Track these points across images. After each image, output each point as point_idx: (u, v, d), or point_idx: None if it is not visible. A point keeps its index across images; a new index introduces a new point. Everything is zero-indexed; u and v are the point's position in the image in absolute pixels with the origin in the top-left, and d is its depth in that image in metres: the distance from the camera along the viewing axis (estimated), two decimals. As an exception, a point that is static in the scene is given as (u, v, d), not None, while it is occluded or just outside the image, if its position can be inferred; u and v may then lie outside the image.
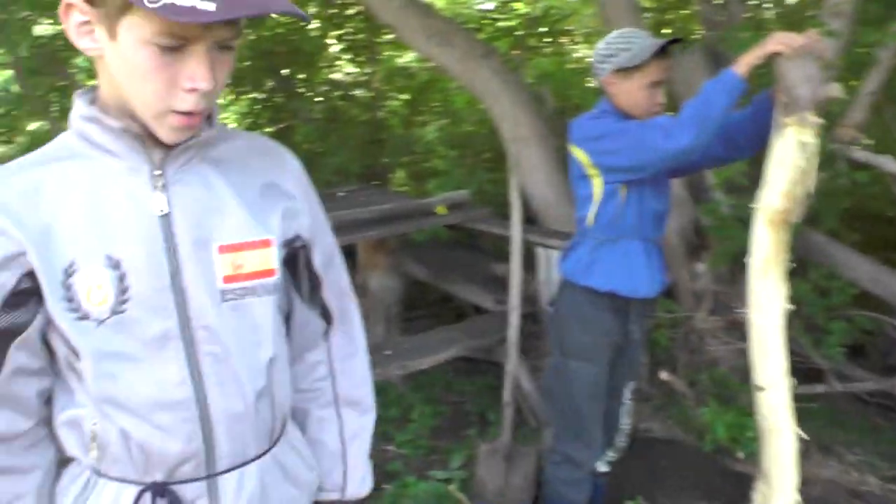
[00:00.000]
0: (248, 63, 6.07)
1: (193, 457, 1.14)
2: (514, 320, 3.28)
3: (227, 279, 1.13)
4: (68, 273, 1.06)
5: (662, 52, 2.31)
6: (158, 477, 1.14)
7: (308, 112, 6.31)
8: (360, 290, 4.26)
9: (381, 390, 4.03)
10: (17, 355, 1.10)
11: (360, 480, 1.41)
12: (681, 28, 5.15)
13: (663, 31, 5.09)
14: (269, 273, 1.16)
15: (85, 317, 1.06)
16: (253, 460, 1.20)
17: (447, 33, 3.91)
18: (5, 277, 1.06)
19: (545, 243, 3.43)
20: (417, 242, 4.52)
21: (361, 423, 1.40)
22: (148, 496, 1.14)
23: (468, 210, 4.09)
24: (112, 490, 1.16)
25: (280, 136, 6.30)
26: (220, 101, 5.68)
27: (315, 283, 1.30)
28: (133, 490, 1.15)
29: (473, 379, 4.20)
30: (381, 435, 3.68)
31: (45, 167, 1.08)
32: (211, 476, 1.17)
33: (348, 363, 1.38)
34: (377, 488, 3.21)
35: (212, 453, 1.15)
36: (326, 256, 1.31)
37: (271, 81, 6.32)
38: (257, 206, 1.16)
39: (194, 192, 1.11)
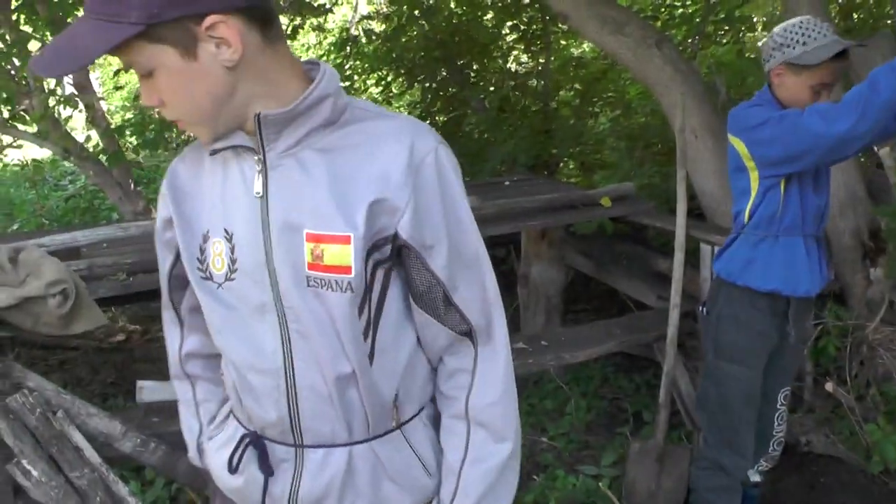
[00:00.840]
0: (421, 53, 6.20)
1: (279, 423, 1.25)
2: (674, 318, 3.17)
3: (310, 266, 1.15)
4: (205, 238, 1.23)
5: (840, 55, 2.17)
6: (257, 429, 1.30)
7: (480, 101, 6.36)
8: (523, 279, 4.27)
9: (538, 381, 4.06)
10: (192, 296, 1.33)
11: None
12: (871, 11, 4.78)
13: (853, 14, 4.75)
14: (344, 270, 1.14)
15: (209, 278, 1.24)
16: (344, 445, 1.25)
17: (621, 21, 3.83)
18: (173, 233, 1.28)
19: (710, 240, 3.31)
20: (582, 234, 4.47)
21: (490, 450, 1.28)
22: (246, 441, 1.30)
23: (633, 203, 4.00)
24: (232, 427, 1.36)
25: (451, 125, 6.42)
26: (394, 89, 5.83)
27: (439, 286, 1.21)
28: (241, 432, 1.33)
29: (632, 376, 4.12)
30: (535, 426, 3.69)
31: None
32: (298, 446, 1.26)
33: (485, 379, 1.26)
34: (527, 479, 3.24)
35: (296, 425, 1.24)
36: (458, 259, 1.21)
37: (445, 71, 6.42)
38: (349, 198, 1.13)
39: (291, 177, 1.15)
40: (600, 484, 3.10)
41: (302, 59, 1.22)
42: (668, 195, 4.53)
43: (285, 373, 1.21)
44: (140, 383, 2.50)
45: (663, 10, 5.83)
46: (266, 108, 1.12)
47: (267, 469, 1.27)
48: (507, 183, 4.59)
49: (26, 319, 2.54)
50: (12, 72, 4.59)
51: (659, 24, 5.43)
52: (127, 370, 4.52)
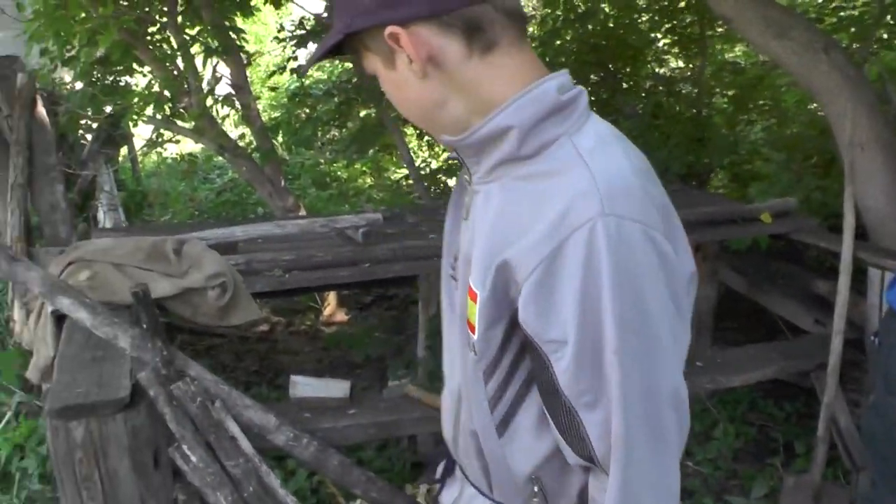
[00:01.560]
0: (573, 57, 6.10)
1: (448, 443, 1.26)
2: (837, 346, 2.98)
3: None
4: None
5: None
6: None
7: (633, 107, 6.20)
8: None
9: (684, 401, 3.90)
10: None
11: None
12: None
13: None
14: (471, 328, 1.05)
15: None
16: (487, 497, 1.20)
17: (785, 24, 3.63)
18: None
19: (879, 263, 3.08)
20: (735, 250, 4.28)
21: None
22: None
23: (795, 220, 3.78)
24: None
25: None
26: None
27: (558, 393, 1.00)
28: None
29: (781, 403, 3.90)
30: (681, 448, 3.55)
31: None
32: (463, 472, 1.25)
33: None
34: None
35: (457, 448, 1.23)
36: (589, 371, 0.96)
37: (596, 76, 6.30)
38: (492, 251, 1.01)
39: (479, 208, 1.08)
40: (749, 516, 2.96)
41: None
42: (826, 212, 4.28)
43: (458, 400, 1.17)
44: (294, 378, 2.55)
45: (828, 11, 5.51)
46: (478, 125, 1.03)
47: (436, 474, 1.32)
48: (664, 193, 4.45)
49: (186, 309, 2.64)
50: (175, 73, 4.79)
51: (824, 27, 5.13)
52: (269, 360, 4.66)
